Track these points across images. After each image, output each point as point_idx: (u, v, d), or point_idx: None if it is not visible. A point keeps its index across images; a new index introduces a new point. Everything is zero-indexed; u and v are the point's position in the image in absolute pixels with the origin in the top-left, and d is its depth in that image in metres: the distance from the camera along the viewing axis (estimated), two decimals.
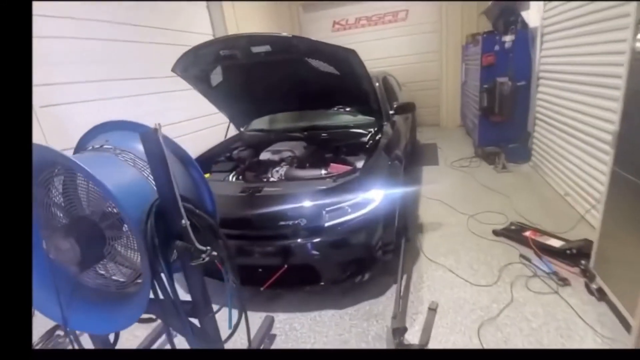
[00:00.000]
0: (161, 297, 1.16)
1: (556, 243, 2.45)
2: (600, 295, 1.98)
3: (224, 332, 1.33)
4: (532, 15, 4.26)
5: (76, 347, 1.33)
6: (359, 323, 2.03)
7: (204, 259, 1.20)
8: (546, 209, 3.17)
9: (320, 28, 7.31)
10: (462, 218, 3.14)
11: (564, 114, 3.35)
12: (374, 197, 2.12)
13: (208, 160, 2.85)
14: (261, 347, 1.91)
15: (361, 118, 3.22)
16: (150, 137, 1.06)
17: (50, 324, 2.09)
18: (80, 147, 1.37)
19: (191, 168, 1.29)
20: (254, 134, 3.49)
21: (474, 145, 5.10)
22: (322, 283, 2.09)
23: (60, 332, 2.13)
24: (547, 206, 3.24)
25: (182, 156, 1.26)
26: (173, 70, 2.51)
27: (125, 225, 1.13)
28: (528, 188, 3.71)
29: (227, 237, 2.04)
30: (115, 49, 3.51)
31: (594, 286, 2.01)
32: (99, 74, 3.32)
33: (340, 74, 2.56)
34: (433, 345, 1.81)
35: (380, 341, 1.89)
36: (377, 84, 3.25)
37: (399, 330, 1.76)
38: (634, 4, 1.61)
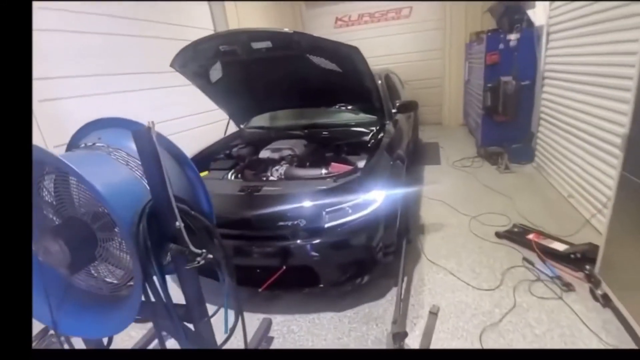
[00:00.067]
0: (154, 300, 1.12)
1: (560, 247, 2.40)
2: (606, 301, 1.94)
3: (220, 333, 1.28)
4: (538, 14, 4.19)
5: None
6: (358, 326, 1.99)
7: (199, 263, 1.15)
8: (549, 211, 3.12)
9: (323, 24, 7.23)
10: (464, 219, 3.09)
11: (569, 114, 3.30)
12: (376, 198, 2.07)
13: (207, 158, 2.80)
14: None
15: (363, 116, 3.16)
16: (143, 135, 1.01)
17: None
18: (72, 144, 1.33)
19: (186, 167, 1.25)
20: (254, 131, 3.44)
21: (477, 145, 5.04)
22: (321, 285, 2.05)
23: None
24: (551, 208, 3.19)
25: (177, 155, 1.22)
26: (171, 65, 2.46)
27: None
28: (531, 189, 3.66)
29: (224, 237, 2.01)
30: (115, 43, 3.45)
31: (599, 292, 1.96)
32: (98, 68, 3.26)
33: (342, 71, 2.51)
34: None
35: (379, 346, 1.85)
36: (379, 82, 3.19)
37: (400, 335, 1.72)
38: None
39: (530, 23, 4.33)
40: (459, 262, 2.48)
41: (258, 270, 2.12)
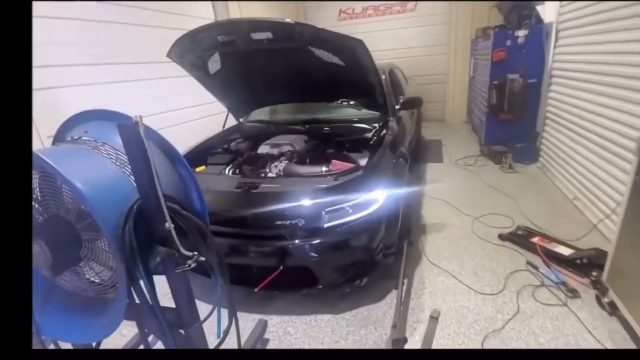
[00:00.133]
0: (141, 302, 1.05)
1: (565, 251, 2.34)
2: (612, 309, 1.87)
3: (213, 334, 1.22)
4: (547, 10, 4.07)
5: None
6: (356, 330, 1.94)
7: (189, 266, 1.09)
8: (554, 214, 3.05)
9: (326, 16, 7.10)
10: (467, 220, 3.03)
11: (577, 114, 3.21)
12: (377, 197, 2.00)
13: (204, 151, 2.73)
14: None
15: (366, 112, 3.07)
16: (130, 130, 0.93)
17: None
18: (58, 137, 1.25)
19: (178, 164, 1.17)
20: (253, 125, 3.36)
21: (480, 144, 4.96)
22: (319, 286, 1.98)
23: None
24: (555, 210, 3.12)
25: (167, 151, 1.14)
26: (168, 55, 2.37)
27: None
28: (535, 190, 3.58)
29: (220, 236, 1.96)
30: (115, 32, 3.35)
31: (605, 300, 1.90)
32: (96, 57, 3.17)
33: (345, 65, 2.42)
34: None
35: None
36: (383, 77, 3.10)
37: (399, 342, 1.66)
38: None
39: (539, 19, 4.22)
40: (461, 265, 2.42)
41: (254, 270, 2.06)
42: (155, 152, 1.09)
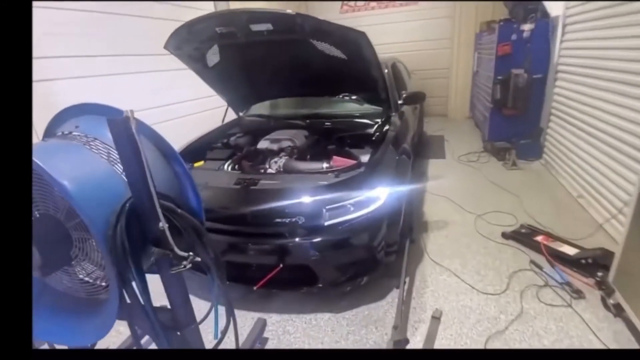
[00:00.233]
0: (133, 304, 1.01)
1: (570, 250, 2.30)
2: (618, 311, 1.83)
3: (211, 333, 1.18)
4: (554, 4, 3.99)
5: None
6: (357, 329, 1.90)
7: (185, 267, 1.05)
8: (558, 212, 3.01)
9: (329, 9, 6.98)
10: (469, 217, 2.98)
11: (583, 111, 3.14)
12: (379, 195, 1.95)
13: (203, 146, 2.68)
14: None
15: (368, 107, 3.01)
16: (120, 125, 0.88)
17: None
18: (49, 132, 1.21)
19: (173, 161, 1.12)
20: (253, 119, 3.30)
21: (483, 140, 4.90)
22: (320, 285, 1.95)
23: None
24: (559, 208, 3.07)
25: (162, 147, 1.09)
26: (166, 47, 2.31)
27: None
28: (539, 187, 3.53)
29: (218, 233, 1.92)
30: (114, 23, 3.28)
31: (611, 301, 1.86)
32: (96, 49, 3.10)
33: (347, 58, 2.35)
34: None
35: None
36: (386, 71, 3.03)
37: (401, 343, 1.63)
38: None
39: (545, 13, 4.13)
40: (464, 263, 2.38)
41: (253, 268, 2.02)
42: (148, 148, 1.04)
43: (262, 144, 2.58)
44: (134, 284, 0.99)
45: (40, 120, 2.56)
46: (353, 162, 2.20)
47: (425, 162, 4.46)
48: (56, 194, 0.99)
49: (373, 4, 6.79)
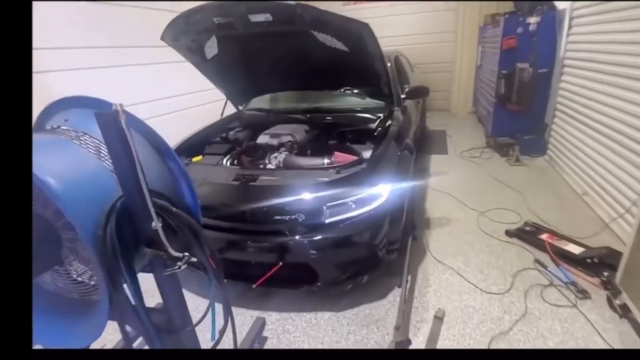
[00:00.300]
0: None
1: (575, 249, 2.25)
2: (624, 312, 1.79)
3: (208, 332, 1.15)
4: None
5: None
6: (358, 329, 1.87)
7: (179, 268, 1.00)
8: (562, 209, 2.96)
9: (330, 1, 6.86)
10: (472, 214, 2.94)
11: (589, 106, 3.08)
12: (382, 192, 1.90)
13: (201, 141, 2.62)
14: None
15: (370, 101, 2.95)
16: (109, 119, 0.83)
17: None
18: (39, 126, 1.15)
19: (166, 156, 1.07)
20: (252, 113, 3.24)
21: (486, 135, 4.83)
22: (319, 284, 1.90)
23: None
24: (564, 206, 3.02)
25: (154, 142, 1.04)
26: (162, 38, 2.24)
27: None
28: (543, 184, 3.48)
29: (216, 230, 1.88)
30: (114, 14, 3.20)
31: (617, 302, 1.82)
32: (93, 40, 3.02)
33: (349, 50, 2.29)
34: None
35: None
36: (388, 64, 2.96)
37: (402, 344, 1.59)
38: None
39: (552, 6, 4.03)
40: (467, 262, 2.33)
41: (252, 265, 1.98)
42: (140, 143, 0.99)
43: (262, 139, 2.53)
44: (125, 285, 0.95)
45: (36, 114, 2.51)
46: (355, 158, 2.15)
47: (427, 158, 4.40)
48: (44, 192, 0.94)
49: None
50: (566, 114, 3.62)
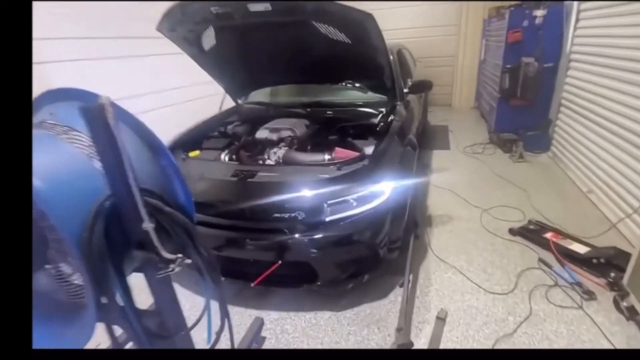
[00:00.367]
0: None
1: (581, 249, 2.20)
2: (631, 314, 1.75)
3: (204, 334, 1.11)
4: None
5: None
6: (358, 330, 1.82)
7: (173, 270, 0.95)
8: (567, 207, 2.90)
9: None
10: (475, 212, 2.88)
11: (597, 102, 3.01)
12: (384, 189, 1.84)
13: (199, 135, 2.56)
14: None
15: (372, 96, 2.88)
16: (95, 113, 0.77)
17: None
18: None
19: (159, 153, 1.01)
20: (252, 107, 3.17)
21: (489, 131, 4.76)
22: (319, 283, 1.86)
23: None
24: (568, 204, 2.97)
25: (145, 137, 0.97)
26: (158, 29, 2.16)
27: None
28: (547, 181, 3.42)
29: (214, 227, 1.82)
30: (111, 5, 3.12)
31: (624, 304, 1.78)
32: (90, 30, 2.94)
33: (351, 42, 2.21)
34: None
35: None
36: (391, 58, 2.88)
37: (404, 346, 1.55)
38: None
39: None
40: (469, 261, 2.29)
41: (251, 263, 1.93)
42: (130, 138, 0.93)
43: (261, 134, 2.46)
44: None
45: None
46: (356, 154, 2.09)
47: (429, 153, 4.34)
48: None
49: None
50: (571, 110, 3.55)
